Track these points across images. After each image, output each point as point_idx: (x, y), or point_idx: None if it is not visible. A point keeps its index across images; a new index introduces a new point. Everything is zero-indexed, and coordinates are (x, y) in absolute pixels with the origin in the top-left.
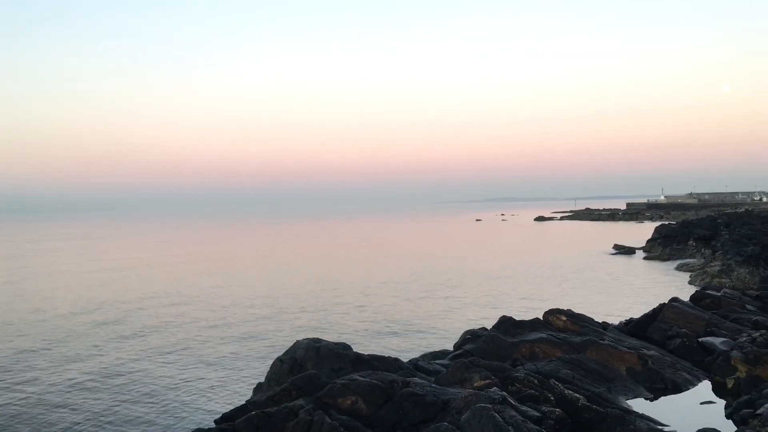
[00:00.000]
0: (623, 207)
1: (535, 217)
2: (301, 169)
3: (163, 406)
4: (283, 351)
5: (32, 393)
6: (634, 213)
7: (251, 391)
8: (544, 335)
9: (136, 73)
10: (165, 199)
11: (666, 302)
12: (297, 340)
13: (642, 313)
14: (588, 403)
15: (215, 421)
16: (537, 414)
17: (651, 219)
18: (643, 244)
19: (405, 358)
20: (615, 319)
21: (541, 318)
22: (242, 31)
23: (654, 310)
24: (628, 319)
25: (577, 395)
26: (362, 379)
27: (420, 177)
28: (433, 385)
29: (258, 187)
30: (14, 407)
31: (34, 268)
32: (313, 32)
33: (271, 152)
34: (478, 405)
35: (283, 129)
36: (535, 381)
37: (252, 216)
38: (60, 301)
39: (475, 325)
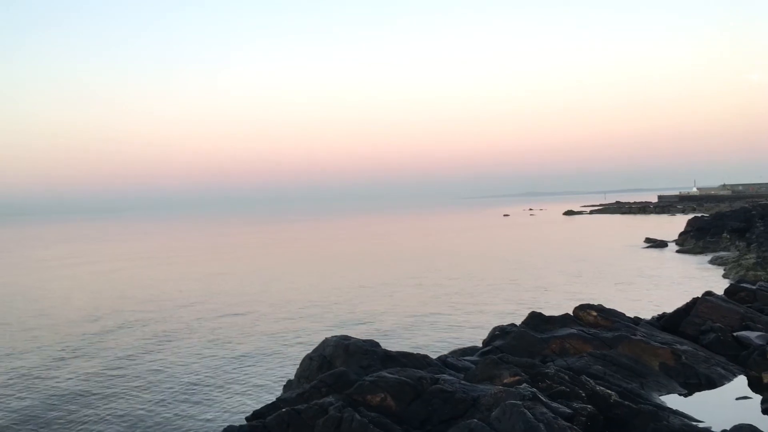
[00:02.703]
0: (654, 200)
1: (563, 211)
2: (324, 167)
3: (194, 404)
4: (312, 348)
5: (65, 388)
6: (665, 206)
7: (281, 388)
8: (574, 331)
9: (147, 74)
10: (174, 199)
11: (699, 296)
12: (326, 338)
13: (675, 308)
14: (620, 400)
15: (246, 418)
16: (568, 410)
17: (683, 212)
18: (676, 237)
19: (433, 354)
20: (647, 314)
21: (571, 313)
22: (252, 33)
23: (687, 304)
24: (660, 313)
25: (609, 391)
26: (391, 376)
27: (446, 173)
28: (462, 381)
29: (277, 186)
30: (46, 404)
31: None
32: (337, 30)
33: (292, 150)
34: (508, 401)
35: (303, 128)
36: (566, 377)
37: (271, 214)
38: (90, 300)
39: (504, 321)
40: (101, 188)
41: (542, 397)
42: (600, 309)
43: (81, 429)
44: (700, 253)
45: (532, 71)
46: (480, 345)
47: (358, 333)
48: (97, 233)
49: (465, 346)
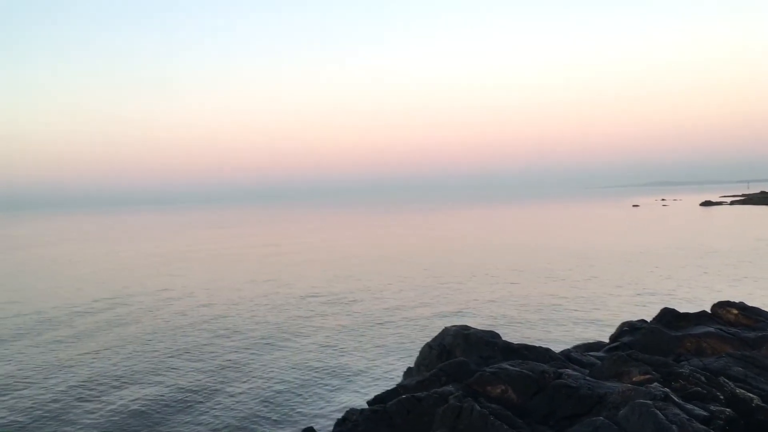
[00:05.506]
0: None
1: (700, 202)
2: (453, 156)
3: (318, 387)
4: (432, 337)
5: (191, 373)
6: None
7: (401, 374)
8: (711, 329)
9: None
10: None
11: None
12: (445, 327)
13: None
14: (763, 404)
15: (368, 402)
16: (704, 413)
17: None
18: None
19: (556, 348)
20: None
21: (708, 311)
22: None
23: None
24: None
25: (751, 395)
26: (512, 368)
27: (576, 160)
28: (587, 377)
29: (406, 174)
30: (162, 398)
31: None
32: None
33: (397, 141)
34: (637, 401)
35: (427, 115)
36: (702, 378)
37: (393, 202)
38: (229, 286)
39: (633, 317)
40: (198, 180)
41: (675, 398)
42: (742, 307)
43: (210, 414)
44: None
45: (653, 54)
46: (606, 341)
47: (477, 322)
48: (274, 219)
49: (590, 341)
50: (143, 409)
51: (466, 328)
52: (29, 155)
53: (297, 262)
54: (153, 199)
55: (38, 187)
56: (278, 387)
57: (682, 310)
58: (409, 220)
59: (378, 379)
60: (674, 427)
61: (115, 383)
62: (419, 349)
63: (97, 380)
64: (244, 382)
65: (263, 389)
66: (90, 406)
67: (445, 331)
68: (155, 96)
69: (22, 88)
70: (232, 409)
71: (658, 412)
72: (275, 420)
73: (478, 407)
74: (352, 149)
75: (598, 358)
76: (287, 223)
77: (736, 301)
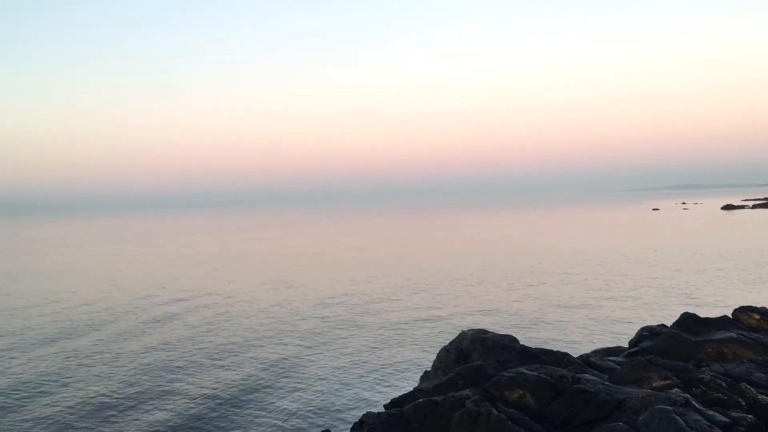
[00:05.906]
0: None
1: (722, 206)
2: (461, 159)
3: (334, 390)
4: (449, 340)
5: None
6: None
7: (418, 378)
8: (733, 335)
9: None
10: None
11: None
12: (462, 331)
13: None
14: None
15: (385, 406)
16: (725, 419)
17: None
18: None
19: (574, 353)
20: None
21: (730, 316)
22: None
23: None
24: None
25: None
26: (530, 372)
27: (595, 163)
28: (606, 382)
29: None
30: (204, 391)
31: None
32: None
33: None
34: (657, 406)
35: (446, 118)
36: (723, 384)
37: (401, 205)
38: (239, 289)
39: (652, 322)
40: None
41: (696, 404)
42: (764, 312)
43: (219, 412)
44: None
45: (678, 53)
46: (625, 345)
47: (495, 326)
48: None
49: (609, 346)
50: (165, 407)
51: (483, 331)
52: (28, 157)
53: (306, 264)
54: (154, 203)
55: (37, 190)
56: (293, 389)
57: (702, 315)
58: (421, 223)
59: (394, 382)
60: None
61: (131, 382)
62: (436, 353)
63: (124, 380)
64: (258, 383)
65: (277, 391)
66: (113, 402)
67: (463, 335)
68: (157, 97)
69: (21, 90)
70: (243, 411)
71: (678, 418)
72: (290, 422)
73: (495, 412)
74: (354, 152)
75: (617, 363)
76: (297, 227)
77: (758, 306)
